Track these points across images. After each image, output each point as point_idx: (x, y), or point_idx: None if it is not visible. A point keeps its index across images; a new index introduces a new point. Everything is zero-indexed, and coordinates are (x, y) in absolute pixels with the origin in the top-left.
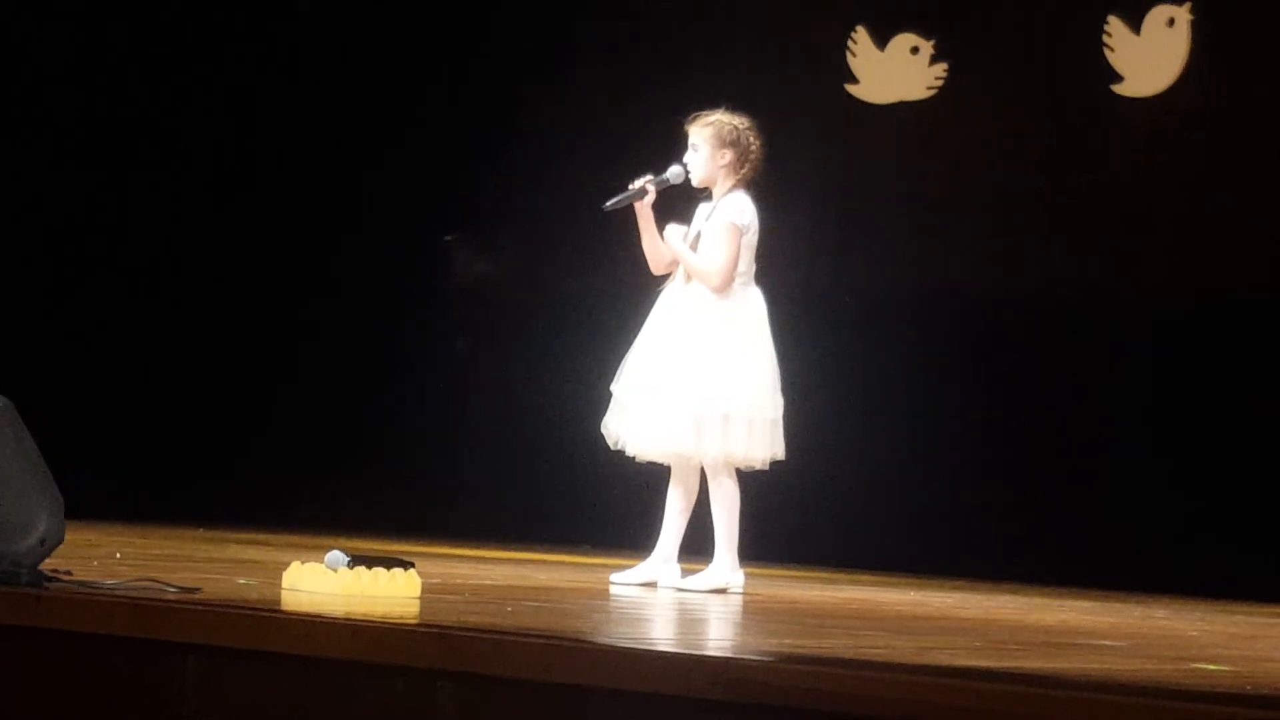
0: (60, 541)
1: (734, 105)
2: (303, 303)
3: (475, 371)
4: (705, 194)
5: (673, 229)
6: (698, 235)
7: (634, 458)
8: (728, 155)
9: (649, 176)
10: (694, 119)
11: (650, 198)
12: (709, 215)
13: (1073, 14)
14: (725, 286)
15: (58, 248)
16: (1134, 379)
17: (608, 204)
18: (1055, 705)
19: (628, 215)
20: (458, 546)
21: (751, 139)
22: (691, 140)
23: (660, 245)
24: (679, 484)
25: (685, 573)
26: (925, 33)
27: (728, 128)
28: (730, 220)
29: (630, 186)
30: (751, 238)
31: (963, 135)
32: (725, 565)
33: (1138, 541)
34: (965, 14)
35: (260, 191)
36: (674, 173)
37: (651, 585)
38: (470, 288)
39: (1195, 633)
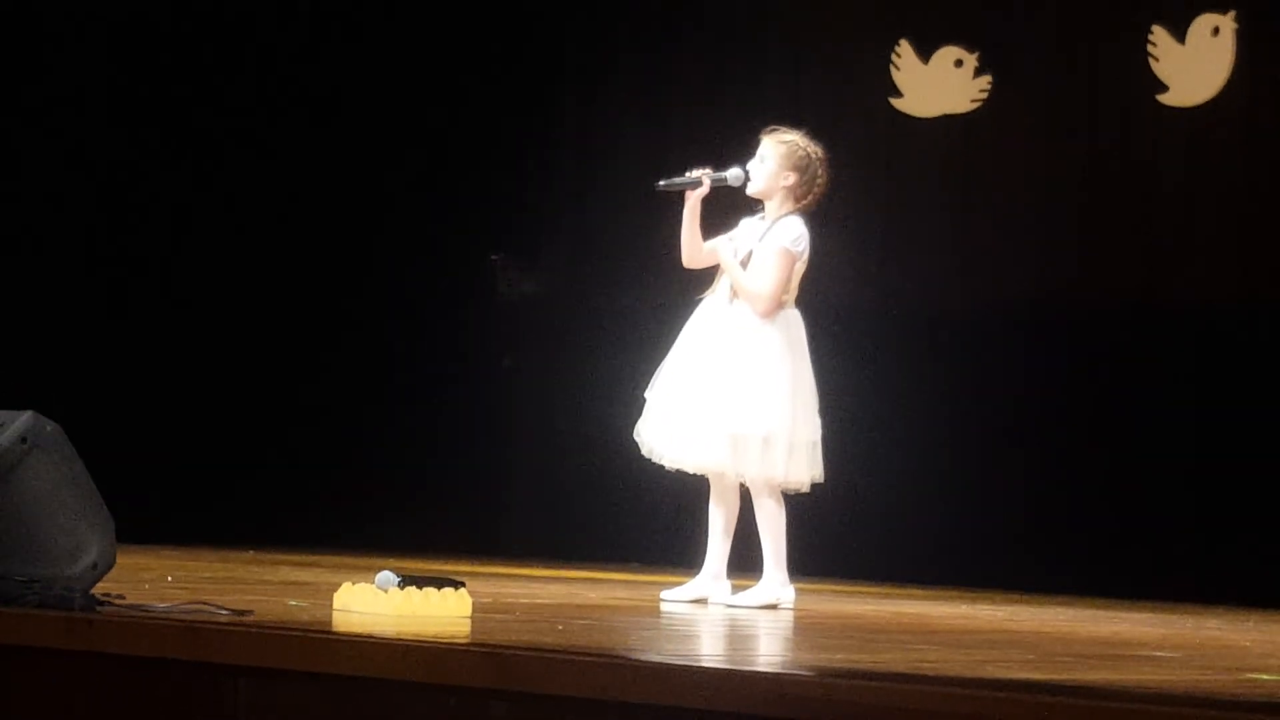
0: (112, 565)
1: (779, 119)
2: (350, 324)
3: (521, 389)
4: (755, 207)
5: (724, 244)
6: (749, 254)
7: (665, 467)
8: (791, 178)
9: (707, 169)
10: (771, 131)
11: (703, 191)
12: (762, 236)
13: (1117, 24)
14: (772, 312)
15: (105, 272)
16: (1180, 387)
17: (661, 184)
18: (1110, 717)
19: (673, 218)
20: (507, 565)
21: (820, 171)
22: (761, 151)
23: (699, 240)
24: (719, 501)
25: (736, 589)
26: (969, 45)
27: (800, 152)
28: (785, 246)
29: (688, 174)
30: (802, 265)
31: (1007, 148)
32: (775, 581)
33: (1189, 552)
34: (1009, 26)
35: (306, 213)
36: (733, 174)
37: (702, 602)
38: (516, 306)
39: (1249, 643)
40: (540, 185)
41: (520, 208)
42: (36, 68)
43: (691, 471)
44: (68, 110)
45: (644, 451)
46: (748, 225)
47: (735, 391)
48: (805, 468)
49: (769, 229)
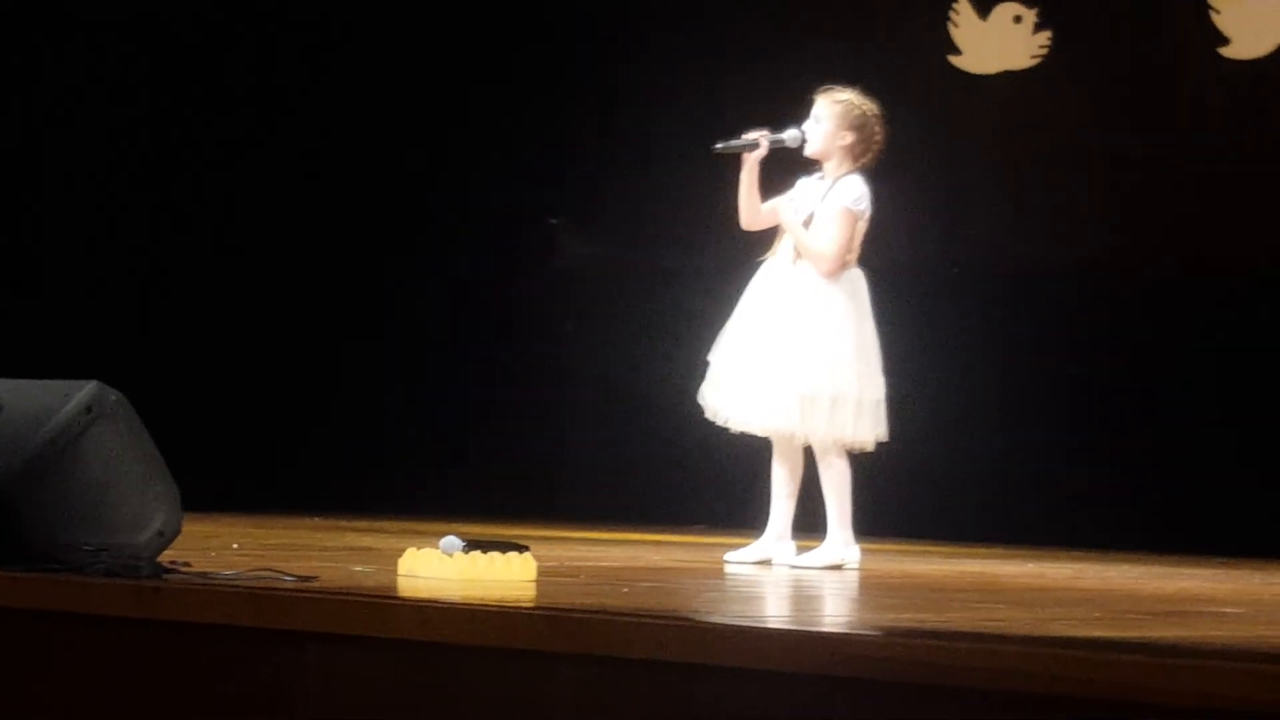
0: (178, 533)
1: (836, 79)
2: (411, 289)
3: (582, 353)
4: (811, 167)
5: (785, 205)
6: (810, 215)
7: (731, 429)
8: (849, 137)
9: (765, 130)
10: (825, 91)
11: (761, 152)
12: (824, 196)
13: None
14: (836, 272)
15: (162, 238)
16: (1244, 346)
17: (719, 146)
18: (1178, 674)
19: (732, 179)
20: (571, 529)
21: (877, 128)
22: (816, 111)
23: (757, 201)
24: (783, 462)
25: (800, 550)
26: (1028, 1)
27: (857, 110)
28: (848, 206)
29: (745, 136)
30: (864, 224)
31: (1067, 103)
32: (839, 541)
33: (1256, 508)
34: None
35: (367, 177)
36: (791, 135)
37: (766, 563)
38: (575, 269)
39: None
40: (598, 147)
41: (578, 171)
42: (80, 43)
43: (758, 434)
44: (118, 82)
45: (709, 415)
46: (806, 185)
47: (802, 352)
48: (870, 427)
49: (830, 189)
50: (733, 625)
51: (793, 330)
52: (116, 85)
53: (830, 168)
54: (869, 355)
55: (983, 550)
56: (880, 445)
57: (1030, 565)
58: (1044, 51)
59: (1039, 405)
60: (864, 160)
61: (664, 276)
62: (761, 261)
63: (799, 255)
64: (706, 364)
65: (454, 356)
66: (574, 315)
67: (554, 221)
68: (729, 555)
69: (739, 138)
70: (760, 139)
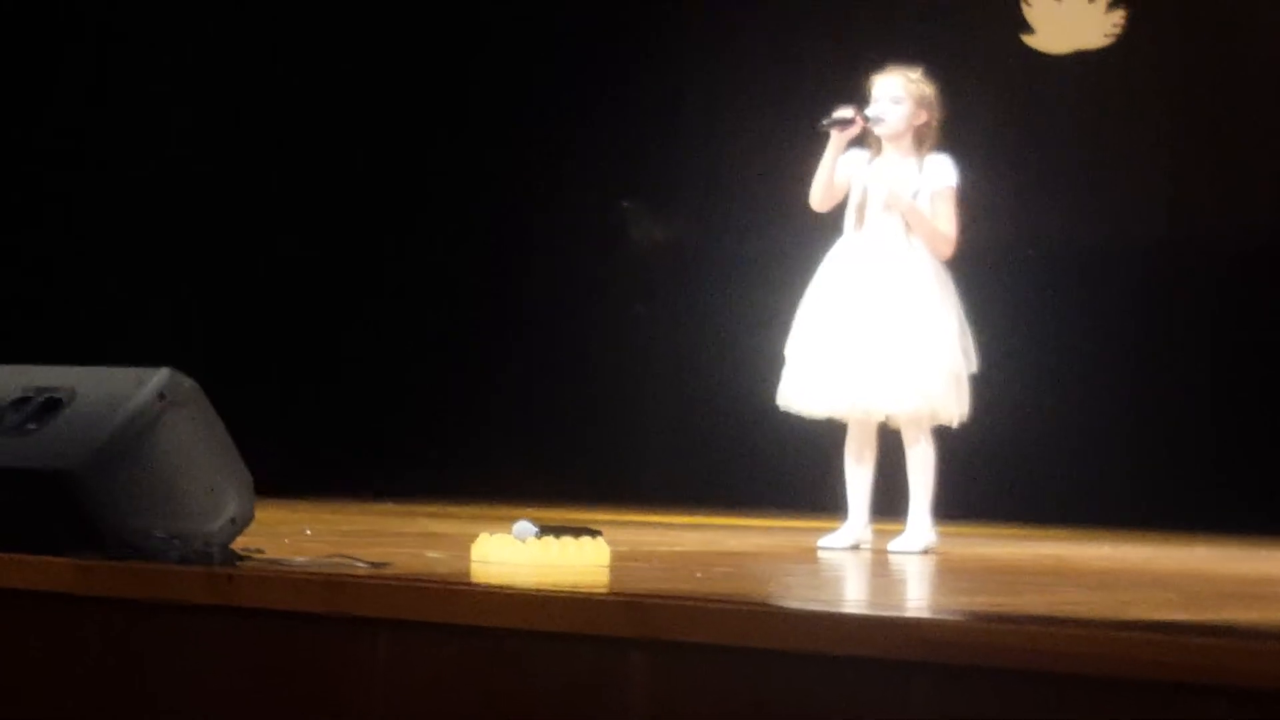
0: (250, 520)
1: (908, 58)
2: (483, 275)
3: (656, 336)
4: (866, 145)
5: (900, 195)
6: (914, 195)
7: (834, 417)
8: (924, 116)
9: (855, 108)
10: (896, 70)
11: (854, 130)
12: (919, 176)
13: None
14: (953, 253)
15: (233, 223)
16: None
17: (824, 122)
18: (1256, 656)
19: (801, 160)
20: (644, 514)
21: (939, 108)
22: (893, 92)
23: (837, 177)
24: (866, 445)
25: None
26: None
27: (929, 90)
28: (952, 185)
29: (840, 113)
30: None
31: (1142, 83)
32: (928, 524)
33: None
34: None
35: (441, 166)
36: (874, 115)
37: (855, 548)
38: (647, 253)
39: None
40: (670, 130)
41: (650, 153)
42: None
43: (859, 417)
44: (177, 76)
45: (797, 407)
46: (874, 164)
47: (927, 330)
48: (967, 402)
49: (922, 169)
50: (806, 610)
51: (905, 310)
52: (175, 74)
53: (903, 147)
54: (967, 332)
55: (1056, 532)
56: (956, 427)
57: (1105, 547)
58: (1118, 30)
59: (1112, 387)
60: (933, 140)
61: (737, 259)
62: (835, 244)
63: (880, 234)
64: (783, 355)
65: (526, 342)
66: (646, 298)
67: (625, 205)
68: (821, 541)
69: (835, 115)
70: (858, 117)
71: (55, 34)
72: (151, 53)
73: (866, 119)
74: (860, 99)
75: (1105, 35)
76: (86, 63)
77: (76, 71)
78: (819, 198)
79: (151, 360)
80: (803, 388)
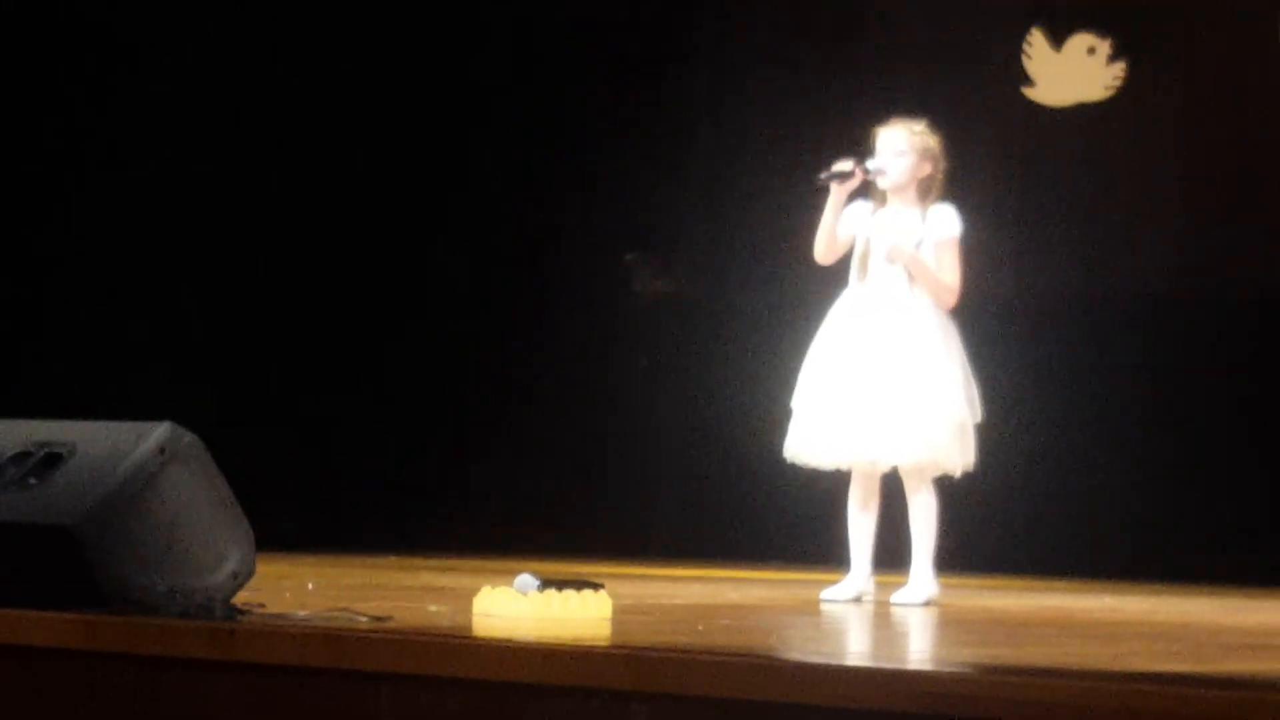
0: (252, 574)
1: (909, 111)
2: (485, 327)
3: (660, 389)
4: (870, 196)
5: (903, 246)
6: (916, 245)
7: (839, 468)
8: (928, 168)
9: (854, 161)
10: (900, 123)
11: (854, 182)
12: (922, 227)
13: (1252, 7)
14: (957, 303)
15: (236, 278)
16: None
17: (822, 176)
18: (1260, 708)
19: (804, 212)
20: (647, 566)
21: (942, 160)
22: (897, 146)
23: (840, 230)
24: (870, 496)
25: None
26: (1102, 32)
27: (931, 143)
28: (955, 235)
29: (839, 166)
30: None
31: (1144, 135)
32: (930, 576)
33: None
34: (1142, 12)
35: (450, 222)
36: (876, 168)
37: (858, 600)
38: (651, 305)
39: None
40: (672, 183)
41: (652, 206)
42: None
43: (864, 469)
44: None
45: (804, 460)
46: (876, 216)
47: (932, 381)
48: (971, 454)
49: (926, 220)
50: (807, 663)
51: (910, 360)
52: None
53: (906, 198)
54: (972, 382)
55: (1059, 584)
56: (959, 477)
57: (1107, 599)
58: (1119, 82)
59: (1113, 438)
60: (935, 192)
61: (741, 311)
62: (839, 296)
63: (884, 285)
64: (789, 407)
65: (531, 395)
66: (650, 350)
67: (628, 257)
68: (824, 594)
69: (834, 168)
70: (857, 169)
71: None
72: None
73: (867, 171)
74: (863, 151)
75: (1106, 88)
76: (84, 76)
77: (74, 88)
78: (822, 251)
79: (152, 414)
80: (809, 440)
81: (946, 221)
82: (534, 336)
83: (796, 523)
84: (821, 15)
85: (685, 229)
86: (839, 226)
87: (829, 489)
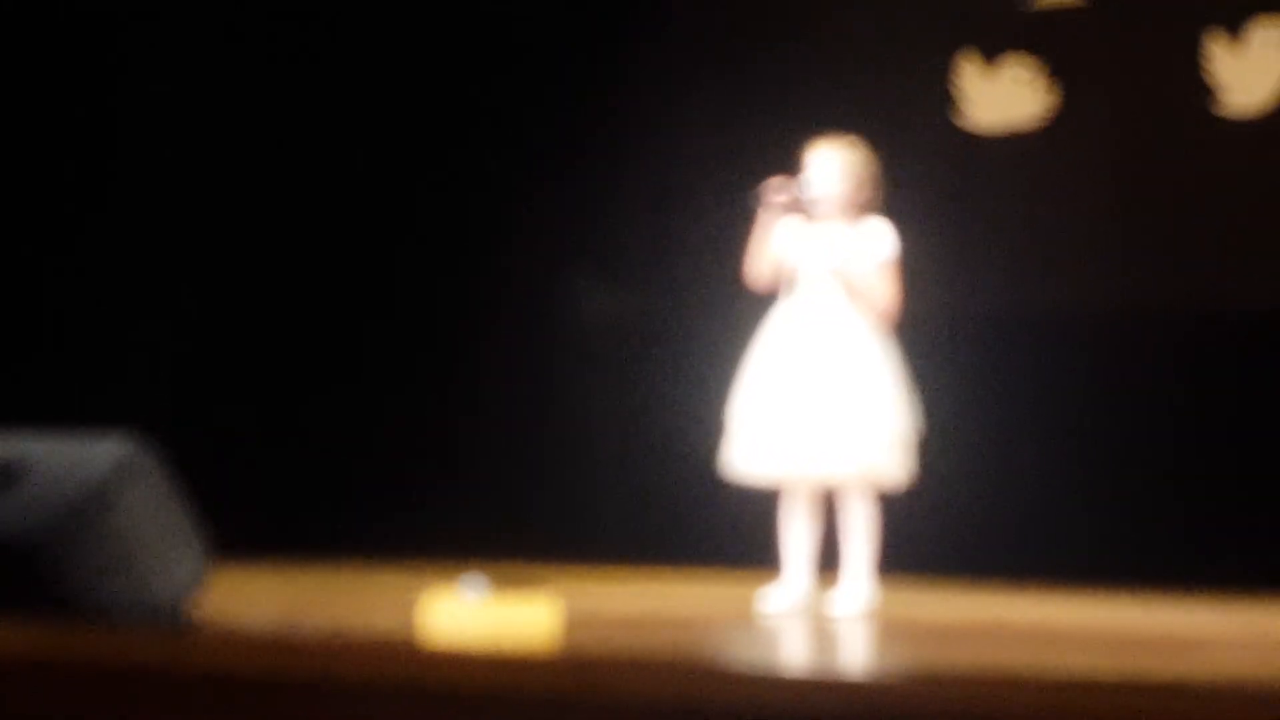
0: (203, 583)
1: (844, 131)
2: (435, 336)
3: (604, 401)
4: (805, 215)
5: (839, 264)
6: (852, 263)
7: (774, 480)
8: (861, 188)
9: (792, 181)
10: (835, 141)
11: (789, 202)
12: (856, 246)
13: (1179, 33)
14: (894, 319)
15: (195, 286)
16: (1257, 389)
17: (755, 197)
18: (1185, 710)
19: (744, 233)
20: (594, 572)
21: (874, 177)
22: (831, 164)
23: (772, 253)
24: (811, 506)
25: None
26: (1034, 57)
27: (865, 161)
28: (891, 252)
29: (773, 188)
30: None
31: (1074, 160)
32: (869, 586)
33: (1266, 542)
34: (1073, 38)
35: (398, 237)
36: (809, 186)
37: (799, 610)
38: (596, 321)
39: None
40: (616, 198)
41: (596, 222)
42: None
43: (804, 481)
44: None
45: (743, 473)
46: (809, 233)
47: (872, 392)
48: (909, 466)
49: (860, 238)
50: (750, 671)
51: (848, 374)
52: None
53: (841, 217)
54: (909, 394)
55: (996, 591)
56: (898, 488)
57: (1043, 605)
58: (1050, 108)
59: (1049, 449)
60: (869, 210)
61: (681, 327)
62: (776, 310)
63: (827, 299)
64: (726, 421)
65: (477, 401)
66: (598, 365)
67: (572, 277)
68: (763, 603)
69: (767, 189)
70: (791, 189)
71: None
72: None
73: (802, 190)
74: (799, 170)
75: (1037, 114)
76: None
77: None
78: (757, 269)
79: (107, 420)
80: (748, 453)
81: (882, 239)
82: (482, 346)
83: (740, 531)
84: (762, 33)
85: (627, 244)
86: (773, 246)
87: (772, 498)
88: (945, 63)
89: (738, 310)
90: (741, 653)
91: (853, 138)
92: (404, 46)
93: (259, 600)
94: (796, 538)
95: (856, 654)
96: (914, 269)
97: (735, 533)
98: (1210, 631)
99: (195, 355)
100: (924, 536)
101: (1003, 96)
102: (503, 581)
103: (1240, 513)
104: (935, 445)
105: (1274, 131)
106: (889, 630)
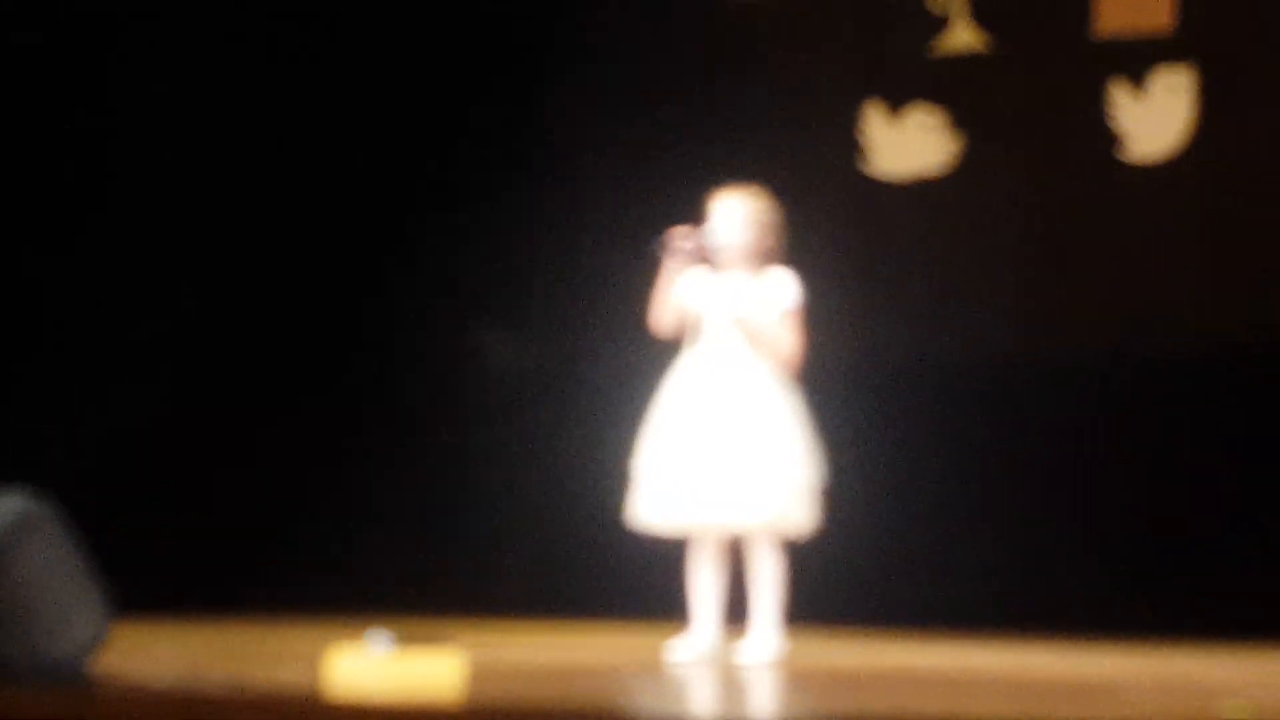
0: (104, 640)
1: (751, 180)
2: (337, 388)
3: (514, 453)
4: (708, 264)
5: (743, 314)
6: (756, 313)
7: (681, 530)
8: (764, 236)
9: (691, 230)
10: (738, 191)
11: (692, 251)
12: (760, 295)
13: (1081, 81)
14: (797, 368)
15: (89, 341)
16: (1155, 438)
17: (657, 246)
18: None
19: (651, 282)
20: (501, 625)
21: (778, 227)
22: (736, 213)
23: (676, 302)
24: (717, 556)
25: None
26: (938, 105)
27: (770, 211)
28: (794, 302)
29: (678, 236)
30: None
31: (979, 207)
32: (775, 635)
33: (1172, 589)
34: (976, 86)
35: (299, 286)
36: (712, 235)
37: (707, 659)
38: (501, 372)
39: (1219, 676)
40: (522, 248)
41: (503, 272)
42: None
43: (709, 531)
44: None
45: (648, 524)
46: (712, 282)
47: (777, 443)
48: (815, 515)
49: (764, 288)
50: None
51: (752, 424)
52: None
53: (744, 266)
54: (813, 443)
55: (901, 638)
56: (803, 538)
57: (947, 649)
58: (955, 156)
59: (953, 496)
60: (772, 260)
61: (587, 378)
62: (682, 360)
63: (751, 349)
64: (631, 471)
65: (382, 455)
66: (501, 418)
67: (479, 330)
68: (672, 652)
69: (669, 238)
70: (695, 237)
71: None
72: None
73: (705, 239)
74: (703, 219)
75: (942, 161)
76: None
77: None
78: (660, 319)
79: (6, 478)
80: (654, 503)
81: (785, 288)
82: (387, 398)
83: (646, 581)
84: (668, 85)
85: (533, 294)
86: (676, 294)
87: (678, 548)
88: (851, 111)
89: (643, 360)
90: (649, 702)
91: (757, 186)
92: (313, 94)
93: (161, 657)
94: (703, 587)
95: (765, 703)
96: (818, 318)
97: (642, 584)
98: (1118, 676)
99: (94, 410)
100: (831, 585)
101: (908, 145)
102: (408, 636)
103: (1144, 557)
104: (840, 494)
105: (1176, 179)
106: (797, 678)
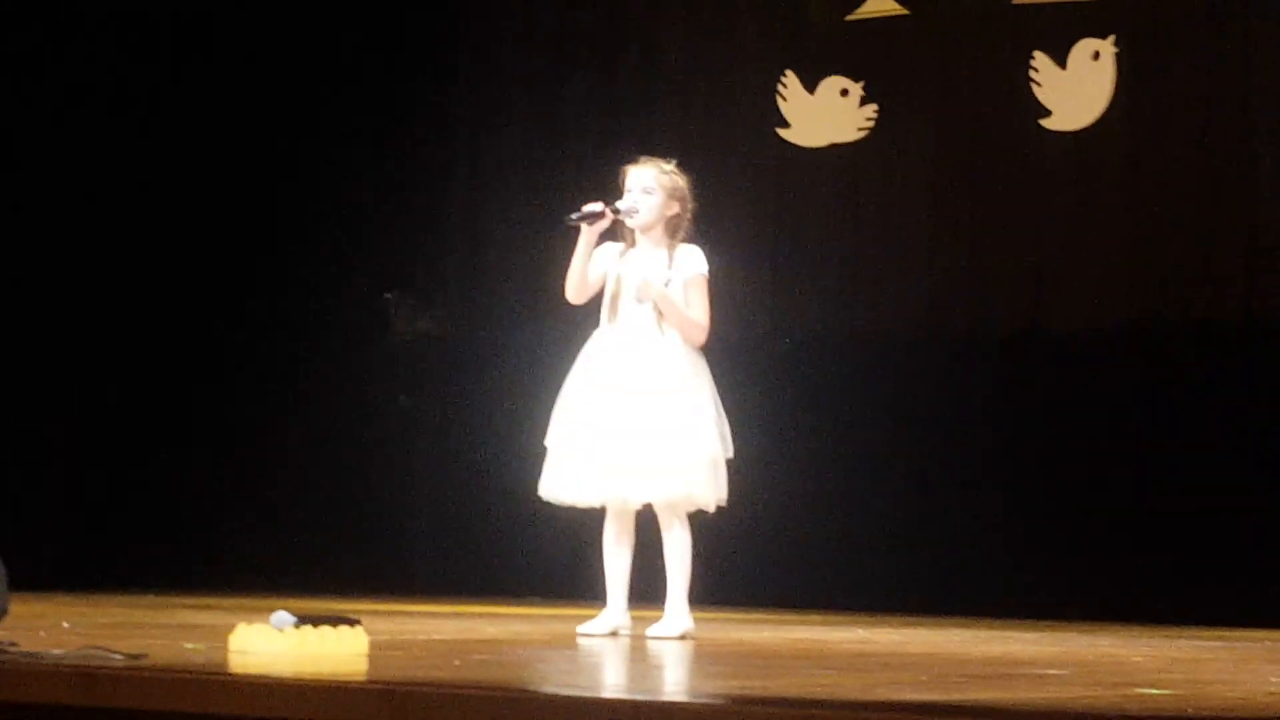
0: (5, 613)
1: (665, 151)
2: (245, 364)
3: (420, 427)
4: (620, 237)
5: (651, 284)
6: (665, 284)
7: (593, 505)
8: (675, 208)
9: (605, 202)
10: (649, 161)
11: (604, 223)
12: (669, 266)
13: (1000, 50)
14: (706, 340)
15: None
16: (1069, 411)
17: (573, 217)
18: None
19: (563, 252)
20: (405, 603)
21: (691, 200)
22: (645, 184)
23: (591, 270)
24: (624, 532)
25: (633, 619)
26: (854, 75)
27: (680, 183)
28: (702, 273)
29: (589, 207)
30: None
31: (895, 175)
32: (685, 609)
33: (1083, 571)
34: (893, 55)
35: (203, 245)
36: (626, 207)
37: (615, 634)
38: (411, 344)
39: (1140, 659)
40: (433, 222)
41: (413, 245)
42: None
43: (619, 506)
44: None
45: (558, 497)
46: (626, 255)
47: (685, 417)
48: (724, 487)
49: (673, 259)
50: (563, 695)
51: (661, 397)
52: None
53: (653, 238)
54: (723, 418)
55: (812, 617)
56: (712, 512)
57: (859, 631)
58: (871, 124)
59: (863, 472)
60: (685, 232)
61: (497, 350)
62: (592, 337)
63: (661, 321)
64: (544, 447)
65: (291, 432)
66: (410, 389)
67: (388, 297)
68: (581, 628)
69: (583, 209)
70: (607, 210)
71: None
72: None
73: (616, 211)
74: (615, 191)
75: (858, 129)
76: None
77: None
78: (573, 291)
79: None
80: (563, 478)
81: (694, 260)
82: (293, 374)
83: (553, 558)
84: (580, 58)
85: (444, 268)
86: (590, 266)
87: (586, 525)
88: (767, 83)
89: (553, 334)
90: (556, 677)
91: (670, 159)
92: (228, 74)
93: (63, 632)
94: (612, 563)
95: (674, 678)
96: (730, 288)
97: (551, 560)
98: (1030, 656)
99: None
100: (741, 560)
101: (823, 115)
102: (313, 614)
103: (1055, 539)
104: (749, 468)
105: (1094, 151)
106: (706, 654)
